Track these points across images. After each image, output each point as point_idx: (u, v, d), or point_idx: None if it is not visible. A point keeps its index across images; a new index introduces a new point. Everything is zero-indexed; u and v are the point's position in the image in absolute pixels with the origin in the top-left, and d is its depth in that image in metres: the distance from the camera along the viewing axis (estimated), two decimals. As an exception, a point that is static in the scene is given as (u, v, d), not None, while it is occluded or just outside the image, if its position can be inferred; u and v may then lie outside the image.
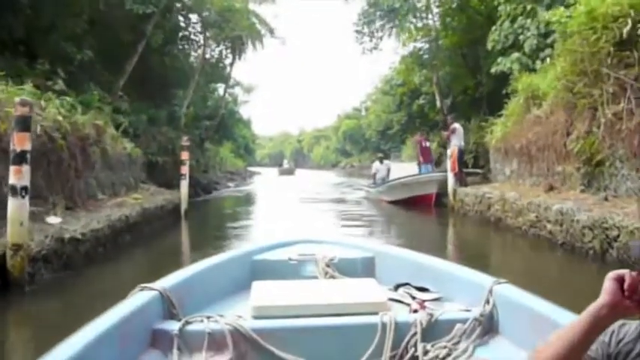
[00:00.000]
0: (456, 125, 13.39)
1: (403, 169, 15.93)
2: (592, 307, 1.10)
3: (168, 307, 2.13)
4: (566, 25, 8.15)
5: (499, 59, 14.71)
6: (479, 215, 10.63)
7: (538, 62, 12.93)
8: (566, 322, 1.39)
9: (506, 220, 9.09)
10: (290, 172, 51.08)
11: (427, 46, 24.90)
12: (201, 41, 24.47)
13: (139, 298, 2.05)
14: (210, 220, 12.79)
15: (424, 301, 2.40)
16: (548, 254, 7.07)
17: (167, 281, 2.26)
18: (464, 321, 2.09)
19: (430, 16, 23.84)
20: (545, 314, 1.85)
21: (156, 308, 2.08)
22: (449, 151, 13.00)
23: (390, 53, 36.16)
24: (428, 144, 16.21)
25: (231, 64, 33.97)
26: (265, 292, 2.37)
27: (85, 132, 8.49)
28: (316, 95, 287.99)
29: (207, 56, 29.58)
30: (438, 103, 24.79)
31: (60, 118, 7.72)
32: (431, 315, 2.09)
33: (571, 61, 7.92)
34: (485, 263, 6.48)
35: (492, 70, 14.95)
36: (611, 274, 1.11)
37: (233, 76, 38.64)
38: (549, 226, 7.37)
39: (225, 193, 21.98)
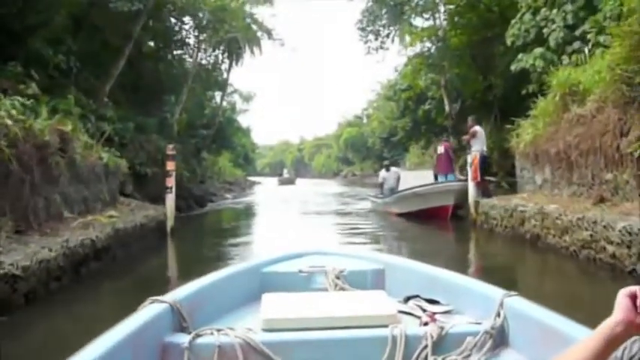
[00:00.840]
0: (477, 128, 11.98)
1: (414, 177, 14.51)
2: (605, 325, 1.10)
3: (178, 319, 2.10)
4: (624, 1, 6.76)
5: (519, 56, 13.34)
6: (509, 231, 9.21)
7: (565, 57, 11.56)
8: (579, 335, 1.58)
9: (547, 238, 7.66)
10: (290, 181, 49.47)
11: (434, 47, 23.50)
12: (195, 44, 23.11)
13: (149, 311, 2.01)
14: (202, 239, 11.37)
15: (434, 313, 2.35)
16: (615, 284, 5.64)
17: (177, 294, 2.24)
18: (475, 334, 2.03)
19: (437, 15, 22.55)
20: (557, 328, 1.82)
21: (166, 321, 2.05)
22: (469, 158, 11.59)
23: (393, 56, 34.91)
24: (445, 150, 14.37)
25: (228, 70, 32.70)
26: (275, 305, 2.34)
27: (44, 139, 7.08)
28: (317, 103, 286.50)
29: (203, 61, 28.30)
30: (447, 108, 23.42)
31: (9, 122, 6.32)
32: (441, 328, 2.04)
33: (629, 46, 6.53)
34: (534, 294, 5.07)
35: (512, 68, 13.57)
36: (624, 291, 1.11)
37: (231, 82, 37.43)
38: (611, 249, 5.95)
39: (222, 206, 20.56)
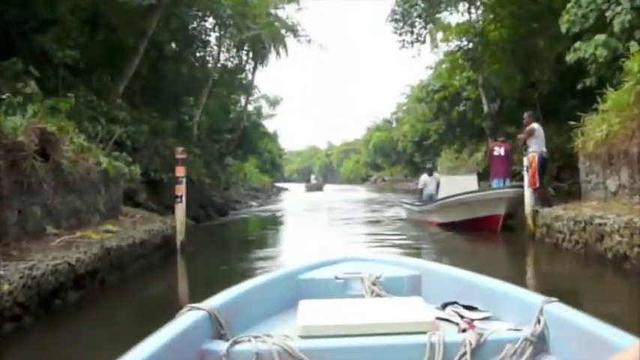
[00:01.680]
0: (535, 125, 10.37)
1: (454, 182, 12.97)
2: None
3: (216, 327, 2.09)
4: None
5: (576, 44, 11.74)
6: (580, 248, 7.64)
7: (633, 44, 9.94)
8: (623, 343, 1.57)
9: (640, 259, 6.10)
10: (318, 188, 47.93)
11: (471, 43, 21.91)
12: (216, 42, 21.94)
13: (187, 318, 2.01)
14: (218, 254, 9.99)
15: (473, 320, 2.26)
16: None
17: (215, 301, 2.22)
18: (514, 341, 1.97)
19: (474, 7, 20.99)
20: (600, 335, 1.76)
21: (204, 328, 2.05)
22: (525, 160, 10.03)
23: (426, 55, 33.38)
24: (502, 151, 12.30)
25: (253, 72, 31.54)
26: (312, 311, 2.29)
27: (16, 139, 5.80)
28: (345, 107, 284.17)
29: (226, 63, 27.17)
30: (485, 108, 21.81)
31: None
32: (480, 335, 1.99)
33: None
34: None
35: (568, 59, 11.99)
36: None
37: (256, 85, 36.30)
38: None
39: (246, 215, 19.25)
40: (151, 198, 14.29)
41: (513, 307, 2.31)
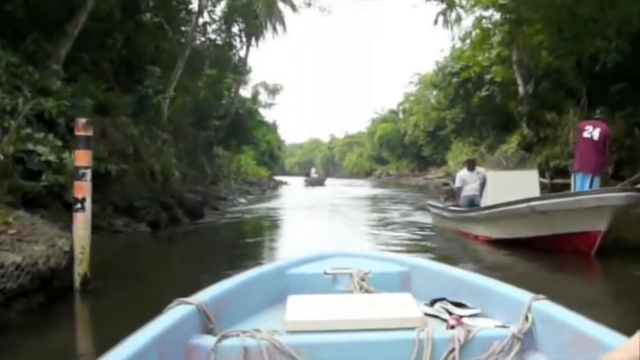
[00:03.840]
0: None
1: (509, 181, 9.24)
2: None
3: (204, 321, 2.09)
4: None
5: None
6: None
7: None
8: (610, 341, 1.61)
9: None
10: (319, 182, 44.00)
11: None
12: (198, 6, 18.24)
13: (175, 313, 2.01)
14: (145, 293, 6.13)
15: (461, 316, 2.29)
16: None
17: (203, 295, 2.21)
18: (502, 338, 2.00)
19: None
20: (587, 332, 1.80)
21: (192, 322, 2.05)
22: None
23: (442, 37, 29.63)
24: (595, 133, 8.34)
25: (247, 50, 27.83)
26: (300, 307, 2.33)
27: None
28: (349, 99, 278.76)
29: (214, 37, 23.47)
30: (520, 89, 18.05)
31: None
32: (468, 331, 2.01)
33: None
34: None
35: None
36: None
37: (250, 66, 32.59)
38: None
39: (228, 216, 15.56)
40: (95, 195, 10.65)
41: (501, 304, 2.31)
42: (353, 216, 15.99)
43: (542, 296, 2.13)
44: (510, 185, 8.98)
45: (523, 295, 2.20)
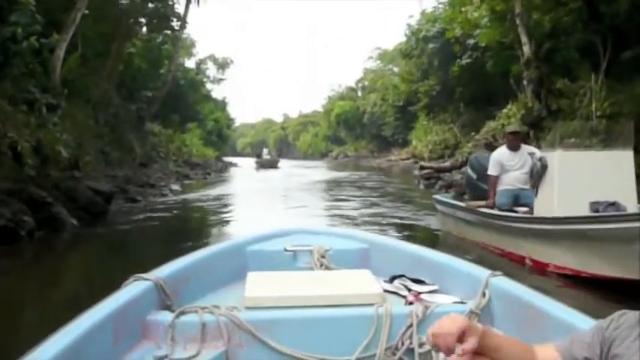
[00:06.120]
0: None
1: (590, 169, 5.50)
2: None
3: (162, 297, 2.08)
4: None
5: None
6: None
7: None
8: (561, 315, 1.75)
9: None
10: (272, 164, 39.68)
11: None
12: None
13: (132, 289, 2.00)
14: None
15: (419, 293, 2.35)
16: None
17: (161, 271, 2.20)
18: (460, 313, 1.78)
19: None
20: (541, 307, 1.87)
21: (149, 299, 2.03)
22: None
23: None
24: None
25: (186, 6, 23.27)
26: (260, 283, 2.34)
27: None
28: (302, 76, 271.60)
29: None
30: (526, 49, 14.39)
31: None
32: (426, 307, 2.06)
33: None
34: None
35: None
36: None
37: (201, 44, 28.06)
38: None
39: (145, 212, 11.42)
40: None
41: (459, 281, 2.34)
42: (316, 210, 12.13)
43: (498, 272, 2.16)
44: (594, 175, 5.27)
45: (480, 272, 2.23)
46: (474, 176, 7.30)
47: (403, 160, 35.57)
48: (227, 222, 10.89)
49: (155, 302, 2.03)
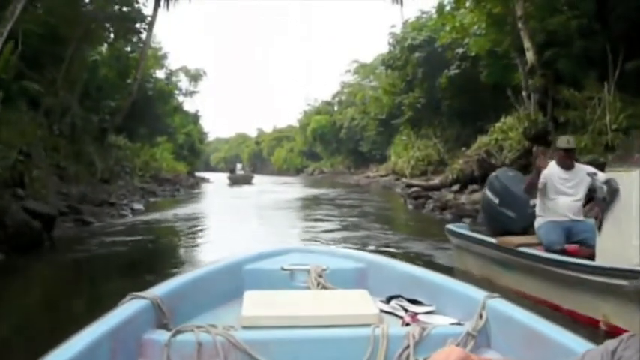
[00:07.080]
0: None
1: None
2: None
3: (158, 316, 2.06)
4: None
5: None
6: None
7: None
8: (560, 338, 1.70)
9: None
10: (246, 180, 37.93)
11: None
12: None
13: (129, 307, 1.99)
14: None
15: (416, 313, 2.32)
16: None
17: (158, 289, 2.18)
18: (457, 335, 2.02)
19: None
20: (539, 330, 1.84)
21: (146, 317, 2.02)
22: None
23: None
24: None
25: (155, 10, 21.60)
26: (257, 302, 2.30)
27: None
28: (277, 91, 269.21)
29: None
30: (530, 55, 13.04)
31: None
32: (423, 328, 2.03)
33: None
34: None
35: None
36: None
37: (173, 56, 26.38)
38: None
39: (95, 238, 9.67)
40: None
41: (457, 302, 2.30)
42: (294, 235, 10.53)
43: (496, 294, 2.13)
44: None
45: (478, 293, 2.19)
46: (496, 201, 5.81)
47: (382, 176, 34.14)
48: (191, 249, 9.20)
49: (152, 320, 2.01)
